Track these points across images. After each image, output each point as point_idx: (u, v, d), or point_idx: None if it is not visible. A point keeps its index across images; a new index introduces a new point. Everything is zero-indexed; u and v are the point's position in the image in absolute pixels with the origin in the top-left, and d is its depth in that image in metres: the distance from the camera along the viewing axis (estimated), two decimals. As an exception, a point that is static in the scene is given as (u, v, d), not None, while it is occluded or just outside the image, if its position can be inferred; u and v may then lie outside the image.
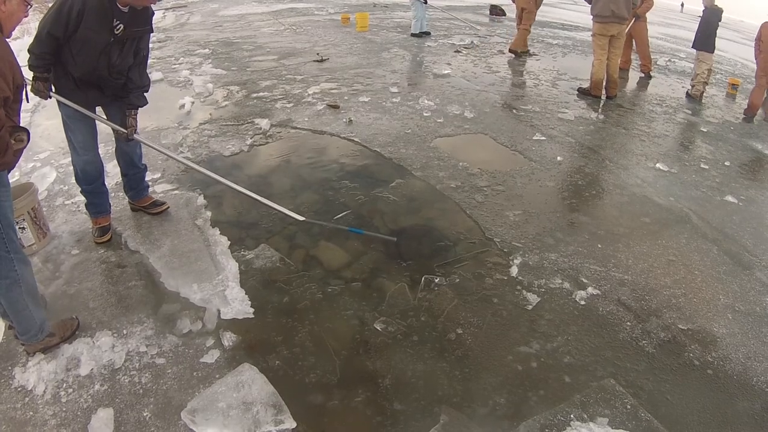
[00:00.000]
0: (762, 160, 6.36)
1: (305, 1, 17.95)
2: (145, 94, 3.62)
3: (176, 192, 4.44)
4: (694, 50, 8.90)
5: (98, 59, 3.21)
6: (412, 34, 11.82)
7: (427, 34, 12.02)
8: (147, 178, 4.13)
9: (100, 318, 3.05)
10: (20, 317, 2.63)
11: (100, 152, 3.65)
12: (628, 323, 3.26)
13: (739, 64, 13.45)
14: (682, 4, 42.27)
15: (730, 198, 5.06)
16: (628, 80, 9.62)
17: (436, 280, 3.47)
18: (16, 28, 2.52)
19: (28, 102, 2.94)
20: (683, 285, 3.69)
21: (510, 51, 10.61)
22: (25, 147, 2.47)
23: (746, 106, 8.19)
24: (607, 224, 4.37)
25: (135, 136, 3.59)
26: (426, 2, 11.59)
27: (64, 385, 2.63)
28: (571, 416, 2.57)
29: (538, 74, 9.19)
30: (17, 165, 2.57)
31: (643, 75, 9.93)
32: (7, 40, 2.41)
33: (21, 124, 2.48)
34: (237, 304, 3.17)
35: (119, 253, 3.66)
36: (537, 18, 10.72)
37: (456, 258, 3.75)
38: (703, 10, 8.66)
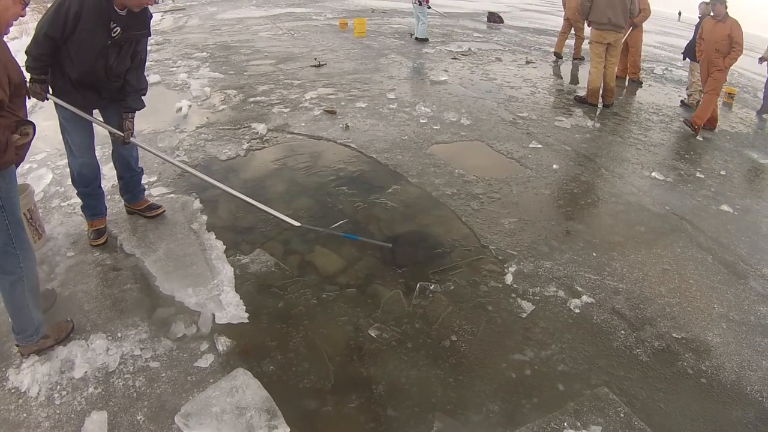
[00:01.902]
0: (758, 170, 6.40)
1: (303, 5, 18.03)
2: (142, 97, 3.62)
3: (172, 195, 4.44)
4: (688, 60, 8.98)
5: (95, 62, 3.21)
6: (417, 39, 12.04)
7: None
8: (143, 182, 4.12)
9: (94, 321, 3.04)
10: (19, 315, 2.64)
11: (96, 155, 3.64)
12: (623, 332, 3.26)
13: (735, 74, 13.52)
14: (680, 13, 42.57)
15: (725, 207, 5.09)
16: (625, 88, 9.67)
17: (431, 287, 3.47)
18: (14, 29, 2.52)
19: (29, 98, 2.94)
20: (678, 294, 3.70)
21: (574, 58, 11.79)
22: (31, 140, 2.47)
23: (692, 121, 7.29)
24: (603, 233, 4.39)
25: (131, 139, 3.58)
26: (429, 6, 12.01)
27: (58, 387, 2.61)
28: (565, 424, 2.57)
29: (535, 82, 9.23)
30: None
31: (633, 82, 10.02)
32: (5, 38, 2.40)
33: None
34: (232, 309, 3.17)
35: (114, 255, 3.65)
36: (535, 26, 10.93)
37: (451, 265, 3.75)
38: (699, 19, 8.71)
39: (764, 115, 8.97)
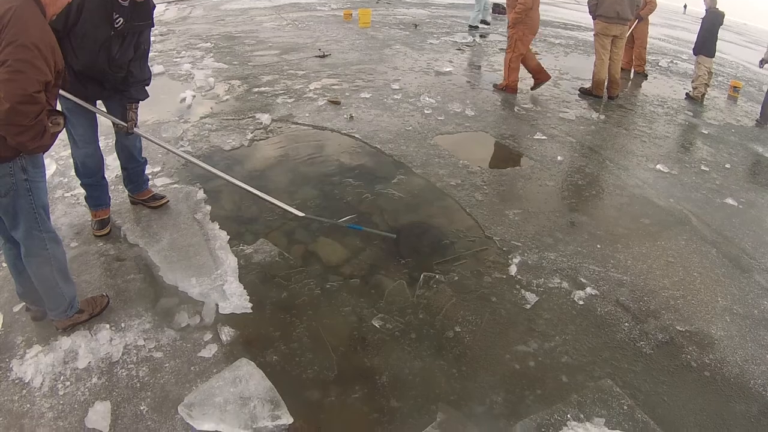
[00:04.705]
0: (763, 163, 6.36)
1: (308, -4, 17.91)
2: (146, 87, 3.61)
3: (176, 186, 4.44)
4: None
5: (98, 53, 3.19)
6: (479, 23, 13.08)
7: (486, 23, 13.44)
8: (147, 172, 4.12)
9: (98, 311, 3.04)
10: (50, 294, 2.72)
11: (100, 145, 3.64)
12: (626, 324, 3.26)
13: (741, 67, 13.44)
14: (685, 6, 42.30)
15: (730, 200, 5.06)
16: (630, 81, 9.61)
17: (435, 278, 3.47)
18: None
19: None
20: (682, 287, 3.69)
21: None
22: (61, 130, 2.53)
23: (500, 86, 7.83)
24: (607, 225, 4.38)
25: (135, 129, 3.57)
26: None
27: (62, 377, 2.62)
28: (568, 416, 2.57)
29: (540, 73, 9.16)
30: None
31: (638, 74, 9.95)
32: None
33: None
34: (235, 299, 3.17)
35: (118, 246, 3.65)
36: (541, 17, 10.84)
37: (455, 256, 3.75)
38: (705, 12, 8.62)
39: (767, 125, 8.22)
